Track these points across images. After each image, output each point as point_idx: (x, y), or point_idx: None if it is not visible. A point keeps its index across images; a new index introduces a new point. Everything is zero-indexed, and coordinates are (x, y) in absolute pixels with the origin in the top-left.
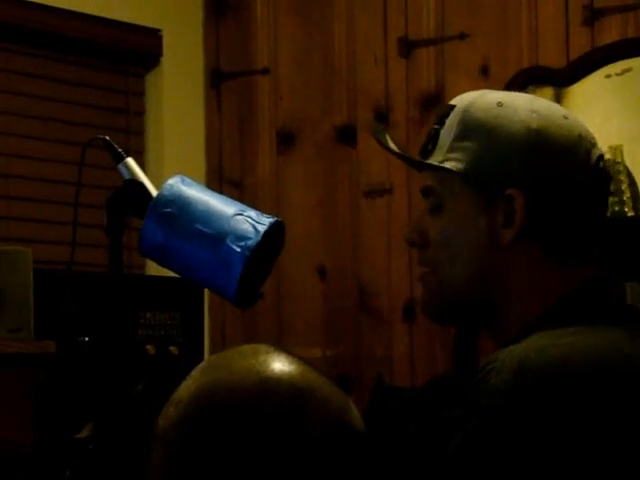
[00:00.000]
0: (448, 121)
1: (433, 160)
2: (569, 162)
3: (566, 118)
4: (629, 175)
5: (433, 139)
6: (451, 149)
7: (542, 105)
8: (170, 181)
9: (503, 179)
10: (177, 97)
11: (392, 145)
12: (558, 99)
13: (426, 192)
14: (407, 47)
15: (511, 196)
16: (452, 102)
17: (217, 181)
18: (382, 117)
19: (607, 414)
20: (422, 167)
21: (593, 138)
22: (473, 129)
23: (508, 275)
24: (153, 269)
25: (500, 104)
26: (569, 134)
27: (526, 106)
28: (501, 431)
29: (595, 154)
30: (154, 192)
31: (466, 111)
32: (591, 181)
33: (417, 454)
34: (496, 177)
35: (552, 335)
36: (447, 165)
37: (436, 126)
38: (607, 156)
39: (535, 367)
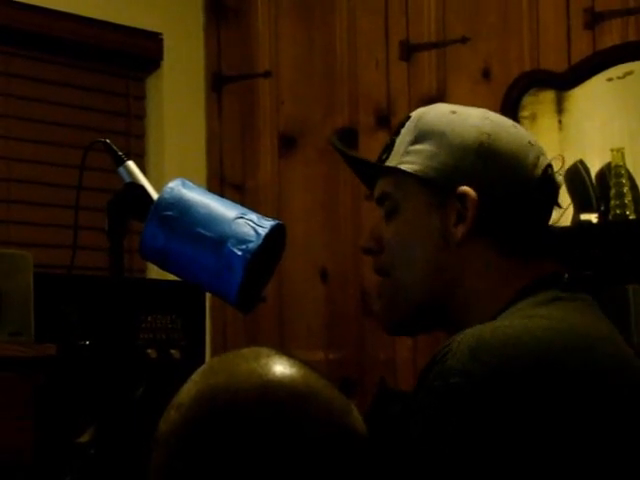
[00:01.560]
0: (403, 130)
1: (388, 164)
2: (519, 164)
3: (515, 127)
4: (630, 178)
5: (388, 148)
6: (406, 153)
7: (493, 114)
8: (171, 184)
9: (456, 178)
10: (178, 100)
11: (350, 152)
12: (559, 102)
13: (381, 199)
14: (408, 51)
15: (463, 194)
16: (409, 114)
17: (218, 184)
18: (384, 120)
19: (561, 391)
20: (378, 170)
21: (541, 147)
22: (427, 133)
23: (463, 273)
24: (154, 272)
25: (453, 112)
26: (520, 139)
27: (478, 114)
28: (460, 411)
29: (543, 162)
30: (155, 195)
31: (420, 118)
32: (539, 185)
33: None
34: (449, 177)
35: (506, 318)
36: (402, 167)
37: (393, 137)
38: (608, 159)
39: (490, 345)
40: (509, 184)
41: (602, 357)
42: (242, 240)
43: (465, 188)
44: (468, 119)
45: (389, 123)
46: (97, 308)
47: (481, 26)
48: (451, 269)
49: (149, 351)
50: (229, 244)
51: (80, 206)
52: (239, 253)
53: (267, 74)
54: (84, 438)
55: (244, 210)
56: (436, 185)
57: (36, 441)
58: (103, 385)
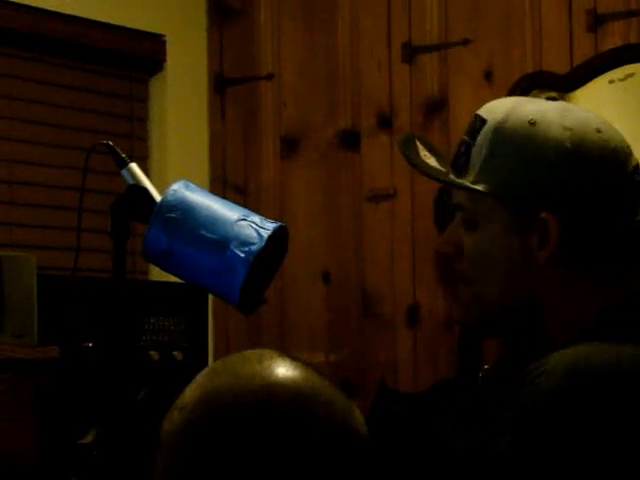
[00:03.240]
0: (480, 138)
1: (465, 180)
2: (603, 179)
3: (599, 131)
4: None
5: (465, 155)
6: (482, 169)
7: (575, 120)
8: (174, 186)
9: (536, 200)
10: (181, 102)
11: (424, 160)
12: None
13: (459, 207)
14: (411, 53)
15: (545, 219)
16: (483, 114)
17: (221, 187)
18: (385, 122)
19: None
20: (455, 188)
21: (628, 148)
22: (504, 149)
23: (543, 294)
24: (157, 274)
25: (532, 122)
26: (603, 149)
27: (559, 122)
28: (552, 433)
29: (631, 164)
30: (158, 197)
31: (497, 129)
32: (626, 195)
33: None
34: (529, 198)
35: (598, 344)
36: (478, 187)
37: (466, 138)
38: None
39: (585, 371)
40: (593, 200)
41: None
42: (245, 242)
43: (547, 214)
44: (547, 131)
45: (391, 125)
46: (100, 310)
47: (483, 28)
48: (531, 289)
49: (152, 353)
50: (232, 246)
51: (83, 208)
52: (242, 255)
53: (270, 76)
54: (87, 439)
55: (247, 212)
56: (515, 207)
57: (39, 443)
58: (106, 387)
